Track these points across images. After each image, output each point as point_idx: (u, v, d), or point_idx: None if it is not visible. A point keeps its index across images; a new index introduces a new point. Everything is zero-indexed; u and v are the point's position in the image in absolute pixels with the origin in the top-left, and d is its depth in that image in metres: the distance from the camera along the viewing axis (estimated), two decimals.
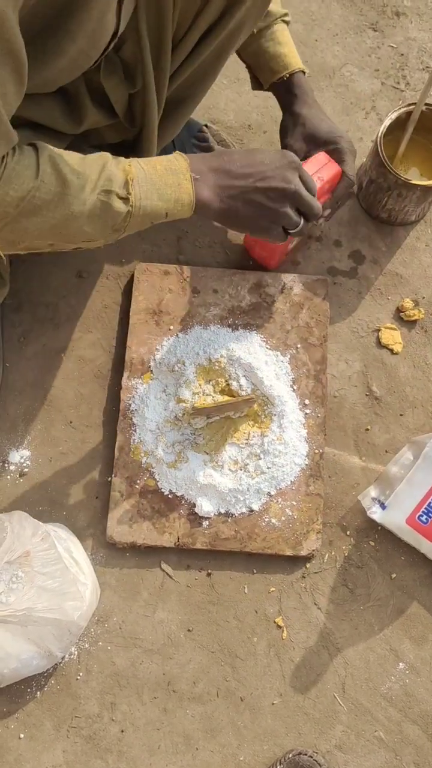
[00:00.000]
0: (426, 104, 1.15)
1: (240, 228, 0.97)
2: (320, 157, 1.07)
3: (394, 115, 1.18)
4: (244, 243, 1.26)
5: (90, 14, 0.74)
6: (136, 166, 0.85)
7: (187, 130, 1.28)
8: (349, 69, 1.40)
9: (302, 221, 0.95)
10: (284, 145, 1.13)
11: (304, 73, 1.11)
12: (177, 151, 0.90)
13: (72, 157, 0.81)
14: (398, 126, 1.19)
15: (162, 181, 0.86)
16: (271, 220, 0.93)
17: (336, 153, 1.08)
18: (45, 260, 1.25)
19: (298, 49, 1.40)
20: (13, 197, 0.75)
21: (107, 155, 0.84)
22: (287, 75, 1.09)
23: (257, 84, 1.15)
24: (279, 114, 1.35)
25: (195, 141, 1.28)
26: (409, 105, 1.18)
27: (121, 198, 0.83)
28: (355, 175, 1.07)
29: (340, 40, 1.42)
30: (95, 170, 0.82)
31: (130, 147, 1.03)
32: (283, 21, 1.10)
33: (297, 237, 0.97)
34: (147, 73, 0.92)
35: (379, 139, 1.17)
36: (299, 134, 1.10)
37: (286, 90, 1.11)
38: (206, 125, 1.31)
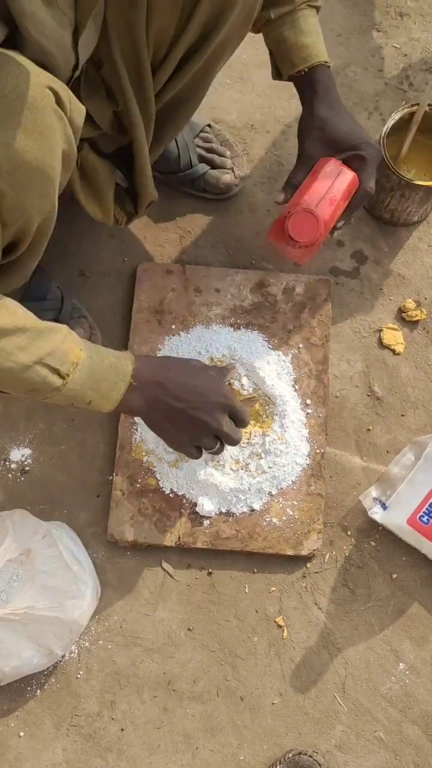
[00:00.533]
0: (429, 105, 1.16)
1: (158, 435, 0.99)
2: (330, 170, 0.99)
3: (397, 116, 1.19)
4: (269, 238, 1.07)
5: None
6: (86, 351, 0.85)
7: (190, 129, 1.28)
8: (352, 69, 1.40)
9: (219, 445, 0.99)
10: (302, 150, 1.03)
11: (327, 65, 1.00)
12: (128, 352, 0.91)
13: (28, 315, 0.81)
14: (401, 126, 1.20)
15: (102, 375, 0.87)
16: (189, 441, 0.97)
17: (356, 160, 1.00)
18: (48, 259, 1.25)
19: None
20: None
21: (64, 328, 0.84)
22: (306, 68, 0.98)
23: (277, 74, 1.05)
24: (282, 114, 1.36)
25: (198, 141, 1.28)
26: (413, 105, 1.18)
27: (60, 375, 0.83)
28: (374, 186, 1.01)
29: (343, 40, 1.42)
30: (48, 344, 0.81)
31: (126, 152, 1.02)
32: (311, 6, 0.98)
33: (213, 455, 1.06)
34: (127, 92, 0.91)
35: (382, 140, 1.17)
36: (317, 139, 1.00)
37: (306, 85, 1.00)
38: (209, 125, 1.31)
